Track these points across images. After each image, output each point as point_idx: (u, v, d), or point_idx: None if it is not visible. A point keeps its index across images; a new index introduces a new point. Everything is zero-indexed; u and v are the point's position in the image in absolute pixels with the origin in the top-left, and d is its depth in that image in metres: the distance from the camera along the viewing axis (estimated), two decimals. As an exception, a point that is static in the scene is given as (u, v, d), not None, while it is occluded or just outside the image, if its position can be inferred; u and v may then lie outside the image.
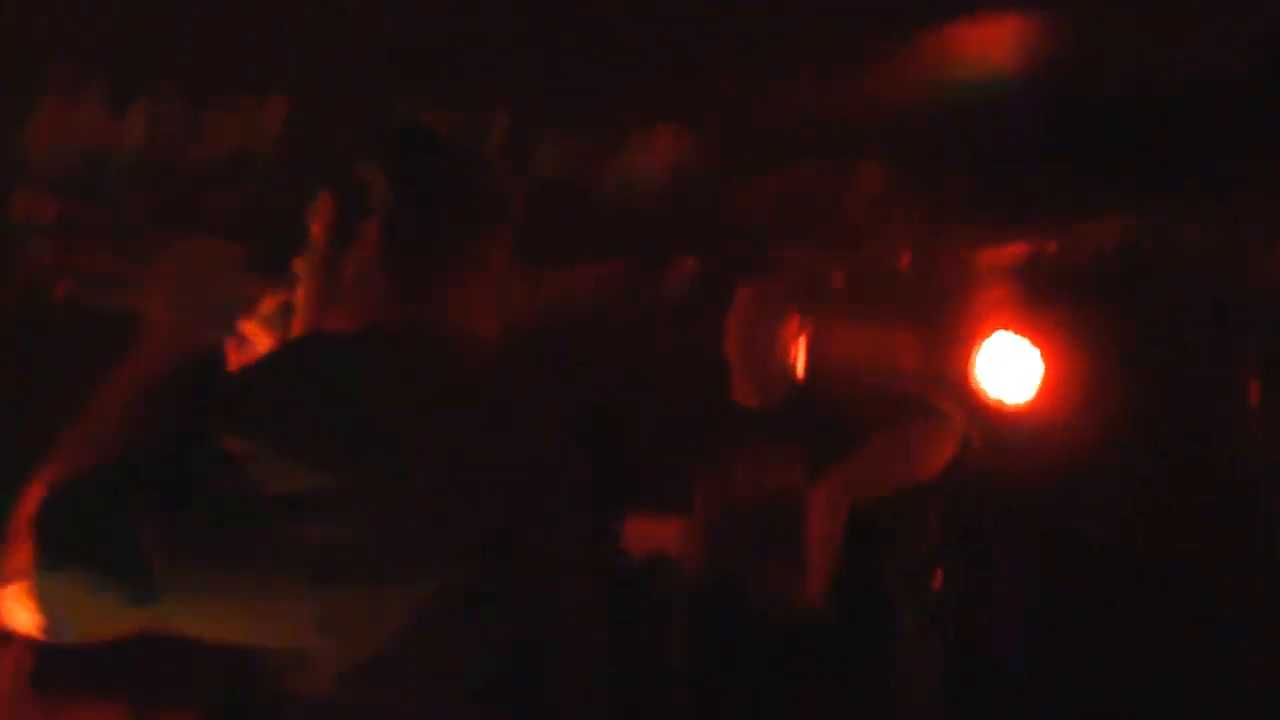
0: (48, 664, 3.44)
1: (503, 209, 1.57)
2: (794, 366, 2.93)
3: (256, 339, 1.68)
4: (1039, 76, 3.13)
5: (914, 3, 2.81)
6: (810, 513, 2.71)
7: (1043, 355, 4.11)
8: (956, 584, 3.03)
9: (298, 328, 1.57)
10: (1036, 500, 4.12)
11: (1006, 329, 4.12)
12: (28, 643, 3.41)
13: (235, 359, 1.69)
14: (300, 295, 1.59)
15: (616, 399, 3.38)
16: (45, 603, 1.31)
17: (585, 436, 1.53)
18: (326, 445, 1.34)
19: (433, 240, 1.52)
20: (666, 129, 3.37)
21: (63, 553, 1.31)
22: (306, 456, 1.32)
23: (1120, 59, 3.12)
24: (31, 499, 1.35)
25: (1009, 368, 4.15)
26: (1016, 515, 4.19)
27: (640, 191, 3.39)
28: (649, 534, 2.85)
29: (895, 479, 2.82)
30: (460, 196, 1.54)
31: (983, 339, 4.10)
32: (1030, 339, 4.11)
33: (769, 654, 2.72)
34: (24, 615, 1.33)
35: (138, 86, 2.94)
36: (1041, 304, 4.11)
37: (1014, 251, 4.12)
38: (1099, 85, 3.23)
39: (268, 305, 1.70)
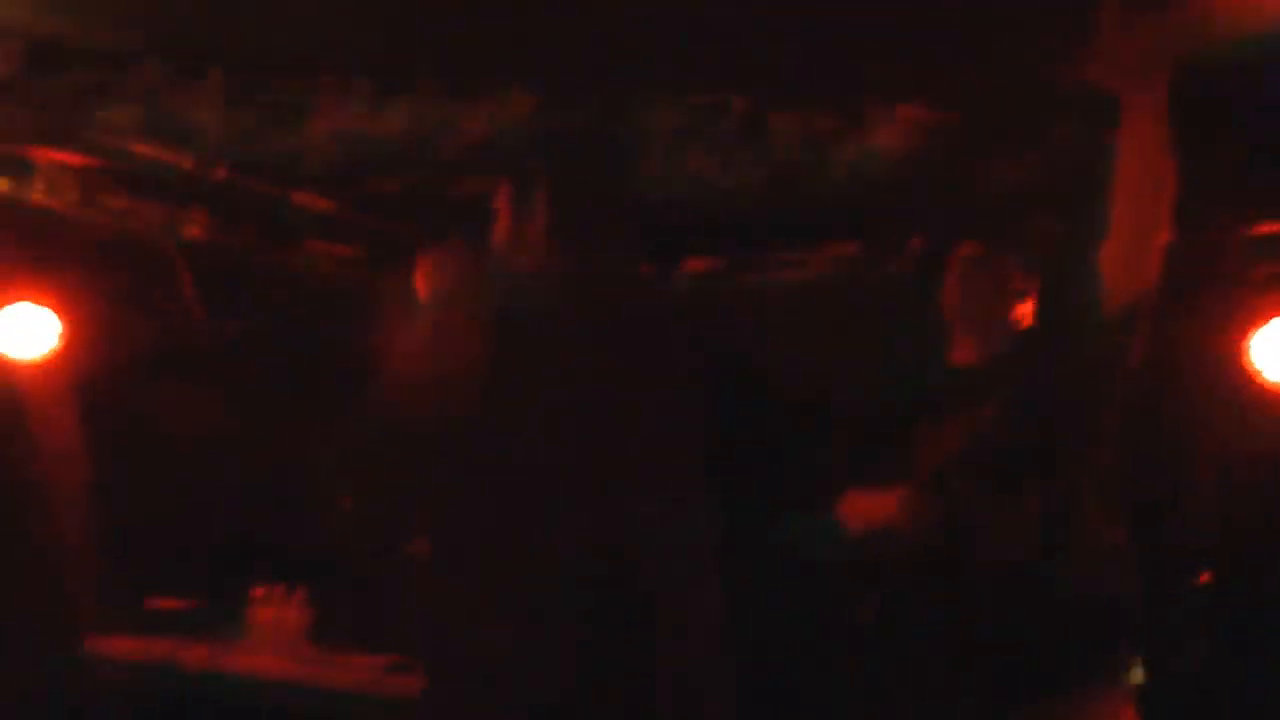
0: (323, 617, 3.80)
1: None
2: (1017, 321, 2.91)
3: None
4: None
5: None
6: None
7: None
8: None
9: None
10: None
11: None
12: (306, 599, 3.77)
13: None
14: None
15: (833, 377, 3.44)
16: None
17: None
18: None
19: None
20: (905, 108, 3.37)
21: None
22: None
23: None
24: None
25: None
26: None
27: (877, 172, 3.40)
28: (871, 509, 2.89)
29: None
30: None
31: (1257, 320, 3.91)
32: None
33: (1001, 611, 2.72)
34: None
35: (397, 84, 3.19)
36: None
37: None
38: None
39: None
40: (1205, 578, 4.02)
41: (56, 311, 3.67)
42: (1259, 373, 3.88)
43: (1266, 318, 3.89)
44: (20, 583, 3.74)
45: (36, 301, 3.65)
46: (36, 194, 3.46)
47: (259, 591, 3.80)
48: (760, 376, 3.57)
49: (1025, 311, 2.99)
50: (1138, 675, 2.83)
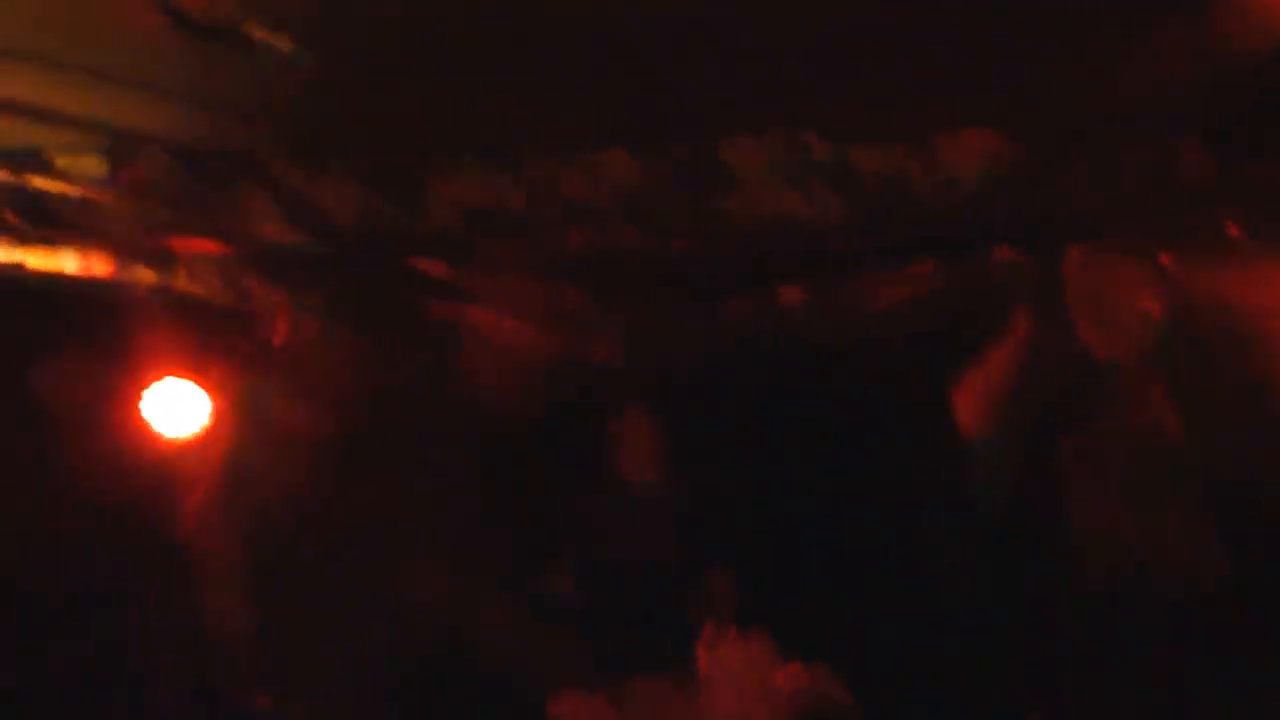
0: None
1: None
2: (1151, 309, 2.99)
3: None
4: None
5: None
6: None
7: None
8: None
9: None
10: None
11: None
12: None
13: None
14: None
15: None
16: None
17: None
18: None
19: None
20: (972, 133, 3.51)
21: None
22: None
23: None
24: None
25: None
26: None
27: (954, 192, 3.54)
28: None
29: None
30: None
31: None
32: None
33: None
34: None
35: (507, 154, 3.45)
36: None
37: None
38: None
39: None
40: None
41: (207, 390, 3.95)
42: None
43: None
44: (175, 662, 3.92)
45: (191, 380, 3.94)
46: (181, 282, 3.78)
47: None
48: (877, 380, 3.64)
49: (1156, 303, 3.01)
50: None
